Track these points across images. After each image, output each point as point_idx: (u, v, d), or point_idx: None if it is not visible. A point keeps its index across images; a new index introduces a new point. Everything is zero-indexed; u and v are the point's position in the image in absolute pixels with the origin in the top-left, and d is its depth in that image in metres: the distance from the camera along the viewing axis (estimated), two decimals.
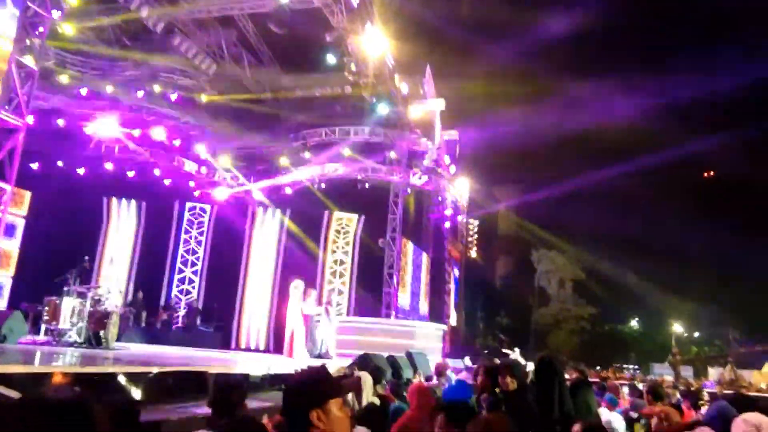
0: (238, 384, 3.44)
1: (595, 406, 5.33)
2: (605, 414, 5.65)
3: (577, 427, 3.70)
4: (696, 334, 44.72)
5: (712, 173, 48.82)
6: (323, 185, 18.83)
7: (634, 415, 7.08)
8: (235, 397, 3.33)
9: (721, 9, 40.35)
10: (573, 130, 37.93)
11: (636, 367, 39.66)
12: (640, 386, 12.74)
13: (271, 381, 7.17)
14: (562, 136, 37.54)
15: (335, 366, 8.24)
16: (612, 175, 40.57)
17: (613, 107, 38.86)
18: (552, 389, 4.71)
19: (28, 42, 9.73)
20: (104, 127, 17.26)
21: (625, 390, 13.35)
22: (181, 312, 18.15)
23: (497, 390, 5.05)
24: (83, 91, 16.89)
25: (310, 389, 2.03)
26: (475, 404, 4.98)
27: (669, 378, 29.80)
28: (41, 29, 9.88)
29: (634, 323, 47.01)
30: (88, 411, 1.37)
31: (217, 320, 17.49)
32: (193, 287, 18.86)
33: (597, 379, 16.46)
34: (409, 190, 19.01)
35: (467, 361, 18.64)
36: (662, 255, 43.50)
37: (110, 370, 5.54)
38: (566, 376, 8.03)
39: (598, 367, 35.04)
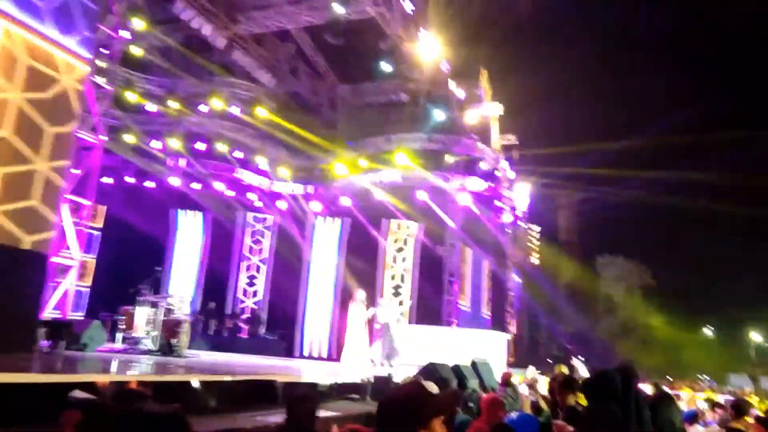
0: (311, 395, 3.43)
1: (679, 423, 5.02)
2: (693, 430, 5.31)
3: None
4: None
5: None
6: (381, 193, 18.86)
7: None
8: (309, 408, 3.33)
9: None
10: (640, 133, 36.55)
11: (710, 378, 37.65)
12: (720, 399, 12.07)
13: (339, 390, 7.19)
14: (627, 139, 36.26)
15: (401, 375, 8.18)
16: (682, 181, 38.86)
17: (681, 110, 37.21)
18: (629, 405, 4.45)
19: (100, 63, 10.24)
20: (170, 142, 17.95)
21: (705, 405, 12.59)
22: (246, 321, 18.56)
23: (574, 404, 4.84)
24: (151, 108, 17.60)
25: (415, 408, 2.00)
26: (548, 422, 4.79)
27: (748, 389, 28.14)
28: (112, 51, 10.36)
29: (707, 331, 44.69)
30: (186, 425, 1.39)
31: (280, 328, 17.81)
32: (257, 296, 19.27)
33: (675, 392, 15.69)
34: (467, 197, 18.78)
35: (530, 372, 18.19)
36: (736, 260, 41.25)
37: (185, 378, 5.68)
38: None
39: (670, 378, 33.49)
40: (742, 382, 31.81)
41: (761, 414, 6.94)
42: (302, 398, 3.45)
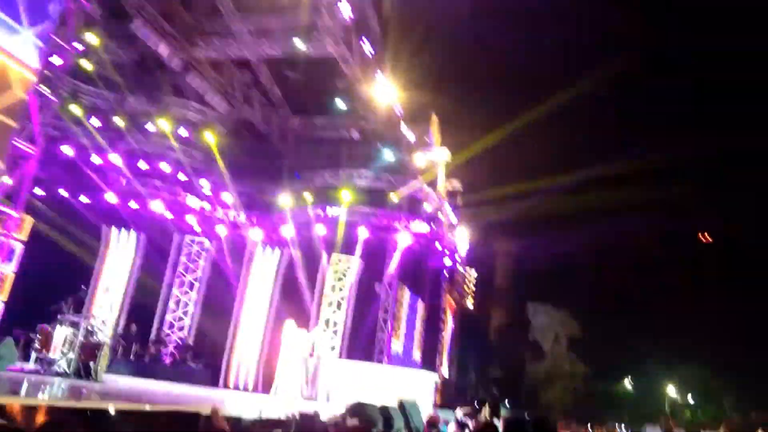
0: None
1: None
2: None
3: None
4: (690, 398, 44.03)
5: (709, 238, 48.91)
6: (323, 227, 18.87)
7: None
8: None
9: None
10: (577, 189, 38.21)
11: (626, 428, 38.87)
12: None
13: (263, 425, 7.07)
14: (566, 194, 37.80)
15: (328, 413, 8.12)
16: (611, 236, 40.73)
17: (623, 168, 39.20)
18: None
19: (47, 73, 9.98)
20: (111, 158, 17.45)
21: None
22: (171, 347, 17.94)
23: None
24: (94, 122, 17.13)
25: None
26: None
27: None
28: (62, 62, 10.13)
29: (627, 383, 46.32)
30: None
31: (207, 357, 17.28)
32: (185, 322, 18.70)
33: None
34: (409, 237, 19.07)
35: (459, 413, 18.33)
36: (658, 316, 43.34)
37: (102, 405, 5.48)
38: None
39: (590, 426, 34.38)
40: None
41: None
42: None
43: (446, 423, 10.72)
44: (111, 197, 18.21)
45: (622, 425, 39.51)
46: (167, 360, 17.30)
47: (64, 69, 10.28)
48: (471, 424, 11.27)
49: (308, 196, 18.73)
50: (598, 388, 44.79)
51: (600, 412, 40.35)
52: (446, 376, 25.62)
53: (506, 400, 35.58)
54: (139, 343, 17.00)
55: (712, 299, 41.33)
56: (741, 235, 42.25)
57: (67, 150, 16.93)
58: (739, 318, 39.32)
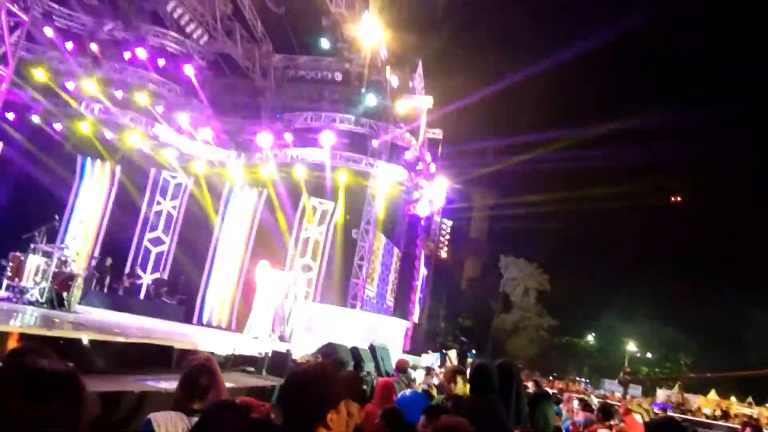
0: (209, 369, 3.39)
1: (552, 419, 5.45)
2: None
3: None
4: (649, 355, 45.94)
5: (679, 198, 49.89)
6: (303, 169, 18.71)
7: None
8: (205, 381, 3.28)
9: None
10: (557, 149, 38.38)
11: (587, 380, 40.60)
12: (595, 401, 13.08)
13: (235, 362, 7.18)
14: (545, 143, 37.99)
15: (299, 352, 8.28)
16: (585, 194, 41.30)
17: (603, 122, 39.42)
18: (509, 398, 4.76)
19: None
20: (85, 86, 16.86)
21: (575, 403, 13.65)
22: (146, 281, 17.92)
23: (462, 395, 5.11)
24: (68, 46, 16.46)
25: (329, 390, 1.97)
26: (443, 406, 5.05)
27: (617, 394, 30.65)
28: None
29: (590, 338, 48.05)
30: (81, 386, 1.37)
31: (181, 293, 17.33)
32: (161, 258, 18.62)
33: (554, 390, 16.84)
34: (387, 184, 19.04)
35: (427, 358, 18.90)
36: (625, 277, 44.57)
37: (75, 335, 5.48)
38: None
39: (551, 377, 35.76)
40: (613, 388, 34.53)
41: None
42: (198, 370, 3.38)
43: (415, 368, 11.01)
44: (85, 126, 17.70)
45: (583, 378, 41.25)
46: (141, 294, 17.31)
47: None
48: (438, 369, 11.63)
49: (288, 137, 18.46)
50: (563, 341, 46.46)
51: (563, 365, 41.99)
52: (417, 322, 26.21)
53: (473, 349, 36.67)
54: (113, 276, 16.92)
55: (679, 264, 42.57)
56: (706, 200, 43.20)
57: (41, 74, 16.29)
58: (702, 283, 40.64)
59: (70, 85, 16.91)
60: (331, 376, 2.06)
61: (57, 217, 12.09)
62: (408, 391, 6.07)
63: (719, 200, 42.67)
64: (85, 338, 4.99)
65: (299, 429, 1.94)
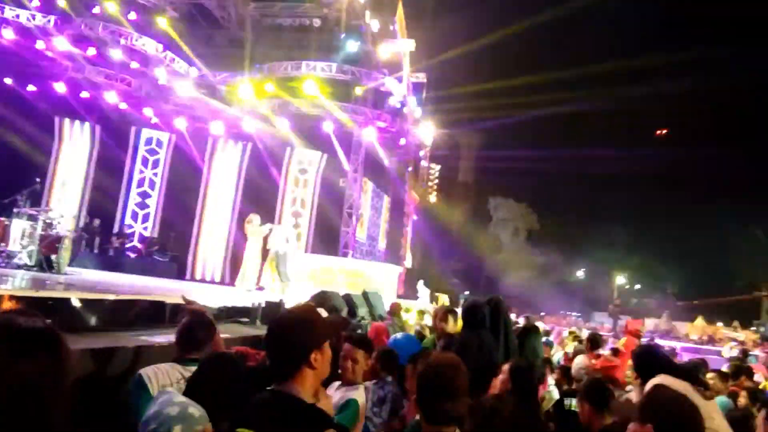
0: (206, 321, 3.43)
1: (541, 351, 5.62)
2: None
3: (505, 366, 3.88)
4: (637, 287, 47.03)
5: (664, 131, 50.03)
6: (286, 121, 18.42)
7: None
8: (202, 334, 3.33)
9: None
10: (541, 80, 38.01)
11: (578, 315, 41.63)
12: (584, 333, 13.49)
13: (228, 313, 7.26)
14: (529, 84, 37.57)
15: (292, 301, 8.37)
16: (572, 129, 41.30)
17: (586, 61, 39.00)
18: (498, 332, 4.89)
19: None
20: (56, 43, 16.30)
21: (566, 334, 14.13)
22: (136, 240, 17.90)
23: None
24: (34, 2, 15.83)
25: (310, 329, 1.99)
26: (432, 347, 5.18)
27: (607, 325, 31.54)
28: None
29: (580, 273, 48.99)
30: (60, 341, 1.37)
31: (172, 250, 17.36)
32: (149, 216, 18.54)
33: (546, 326, 17.30)
34: (373, 131, 18.85)
35: (421, 287, 19.27)
36: (611, 210, 45.10)
37: (63, 295, 5.49)
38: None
39: (543, 313, 36.63)
40: (603, 320, 35.51)
41: (618, 347, 7.86)
42: (196, 324, 3.41)
43: (408, 311, 11.21)
44: (60, 87, 17.24)
45: (574, 313, 42.28)
46: (132, 253, 17.32)
47: None
48: (431, 310, 11.85)
49: (270, 87, 18.09)
50: (553, 278, 47.32)
51: (554, 301, 42.90)
52: (410, 267, 26.53)
53: (465, 291, 37.34)
54: (102, 236, 16.88)
55: (665, 194, 43.05)
56: (692, 132, 43.35)
57: (8, 33, 15.71)
58: (687, 212, 41.24)
59: (40, 44, 16.35)
60: (311, 317, 2.09)
61: (39, 180, 11.93)
62: (400, 335, 6.21)
63: (704, 132, 42.79)
64: (75, 297, 5.00)
65: (284, 370, 1.97)
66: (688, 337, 30.60)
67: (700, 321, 33.36)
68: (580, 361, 6.93)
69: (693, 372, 4.45)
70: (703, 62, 40.29)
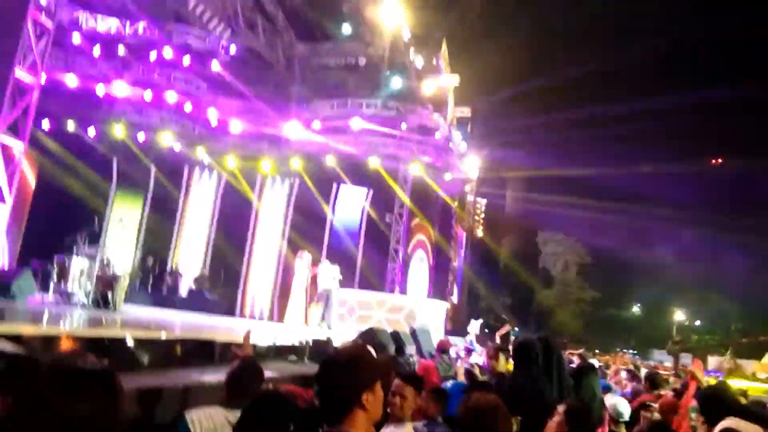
0: (254, 369, 3.39)
1: (599, 391, 5.32)
2: (609, 398, 5.63)
3: (560, 407, 3.65)
4: (697, 323, 44.81)
5: (719, 160, 48.34)
6: (333, 158, 18.70)
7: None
8: (248, 380, 3.29)
9: None
10: (587, 114, 37.51)
11: (635, 352, 39.87)
12: (642, 371, 12.81)
13: (277, 352, 7.24)
14: (575, 119, 37.15)
15: (340, 339, 8.30)
16: (620, 164, 40.40)
17: (633, 95, 38.36)
18: (551, 371, 4.66)
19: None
20: (116, 89, 17.16)
21: (624, 374, 13.40)
22: (188, 277, 18.27)
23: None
24: (96, 51, 16.75)
25: (362, 369, 1.95)
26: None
27: (668, 364, 30.04)
28: None
29: (636, 309, 47.15)
30: (116, 383, 1.38)
31: (222, 287, 17.63)
32: (201, 253, 18.94)
33: (600, 363, 16.55)
34: (418, 166, 18.90)
35: (474, 324, 18.85)
36: (667, 244, 43.45)
37: (118, 334, 5.59)
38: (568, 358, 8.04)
39: (597, 351, 35.24)
40: (663, 358, 33.85)
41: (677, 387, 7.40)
42: (242, 370, 3.38)
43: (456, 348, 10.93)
44: (119, 129, 18.06)
45: (630, 350, 40.52)
46: (184, 291, 17.66)
47: None
48: (480, 349, 11.53)
49: (317, 126, 18.45)
50: (607, 313, 45.70)
51: (609, 338, 41.34)
52: (457, 303, 26.13)
53: (515, 327, 36.38)
54: (156, 274, 17.32)
55: (721, 227, 41.24)
56: (748, 161, 41.69)
57: (72, 80, 16.63)
58: (746, 241, 39.34)
59: (100, 89, 17.23)
60: (364, 357, 2.03)
61: (96, 219, 12.38)
62: (449, 383, 6.02)
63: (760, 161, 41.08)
64: (128, 336, 5.07)
65: (336, 412, 1.91)
66: (755, 375, 28.76)
67: (767, 358, 31.38)
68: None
69: (765, 413, 4.09)
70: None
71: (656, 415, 5.30)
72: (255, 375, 3.30)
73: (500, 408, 2.22)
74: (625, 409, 5.23)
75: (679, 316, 43.11)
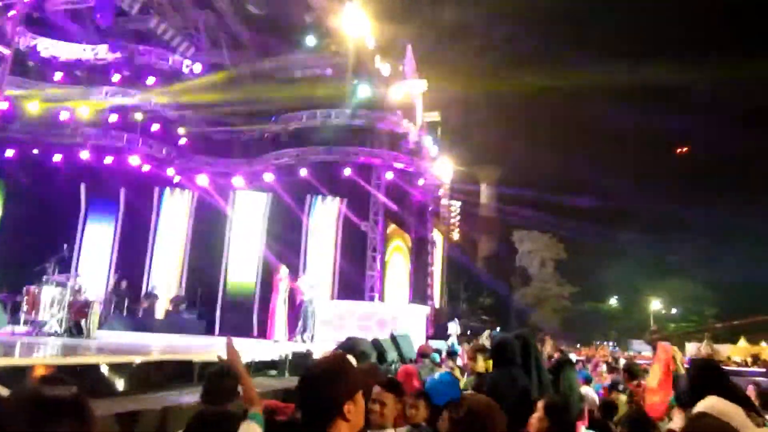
0: (229, 371, 3.37)
1: (577, 385, 5.39)
2: (581, 389, 5.73)
3: (540, 402, 3.71)
4: (673, 311, 45.67)
5: (685, 149, 49.51)
6: (304, 170, 18.67)
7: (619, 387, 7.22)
8: (228, 385, 3.28)
9: None
10: (555, 109, 38.15)
11: (614, 344, 40.47)
12: (621, 362, 13.02)
13: (256, 367, 7.18)
14: (544, 115, 37.74)
15: (320, 351, 8.27)
16: (590, 152, 41.07)
17: (597, 86, 39.08)
18: (530, 368, 4.72)
19: None
20: (80, 112, 16.91)
21: (604, 367, 13.62)
22: (163, 300, 17.99)
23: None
24: (57, 76, 16.51)
25: (343, 381, 1.93)
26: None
27: (647, 353, 30.51)
28: (13, 12, 9.60)
29: (613, 301, 47.86)
30: (85, 409, 1.36)
31: (199, 307, 17.40)
32: (175, 274, 18.68)
33: (581, 357, 16.74)
34: (391, 173, 18.97)
35: (452, 326, 18.99)
36: (642, 233, 44.28)
37: (91, 360, 5.50)
38: (548, 353, 8.14)
39: (578, 345, 35.66)
40: (641, 348, 34.38)
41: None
42: (220, 375, 3.38)
43: (437, 352, 10.98)
44: (84, 153, 17.77)
45: (610, 342, 41.09)
46: (160, 313, 17.39)
47: (16, 20, 9.72)
48: (461, 350, 11.60)
49: (286, 139, 18.42)
50: (585, 308, 46.29)
51: (588, 331, 41.85)
52: (438, 307, 26.21)
53: (497, 327, 36.65)
54: (131, 298, 17.02)
55: (695, 215, 42.15)
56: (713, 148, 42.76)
57: (34, 106, 16.35)
58: (723, 231, 40.25)
59: (64, 114, 16.96)
60: (343, 368, 2.01)
61: (66, 246, 12.14)
62: (437, 374, 6.04)
63: (726, 148, 42.20)
64: (102, 362, 5.00)
65: (318, 424, 1.89)
66: (730, 359, 29.38)
67: (743, 342, 32.11)
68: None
69: (748, 396, 4.14)
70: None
71: (622, 397, 5.51)
72: (231, 377, 3.29)
73: (496, 409, 2.25)
74: (594, 397, 5.34)
75: (655, 305, 43.88)
